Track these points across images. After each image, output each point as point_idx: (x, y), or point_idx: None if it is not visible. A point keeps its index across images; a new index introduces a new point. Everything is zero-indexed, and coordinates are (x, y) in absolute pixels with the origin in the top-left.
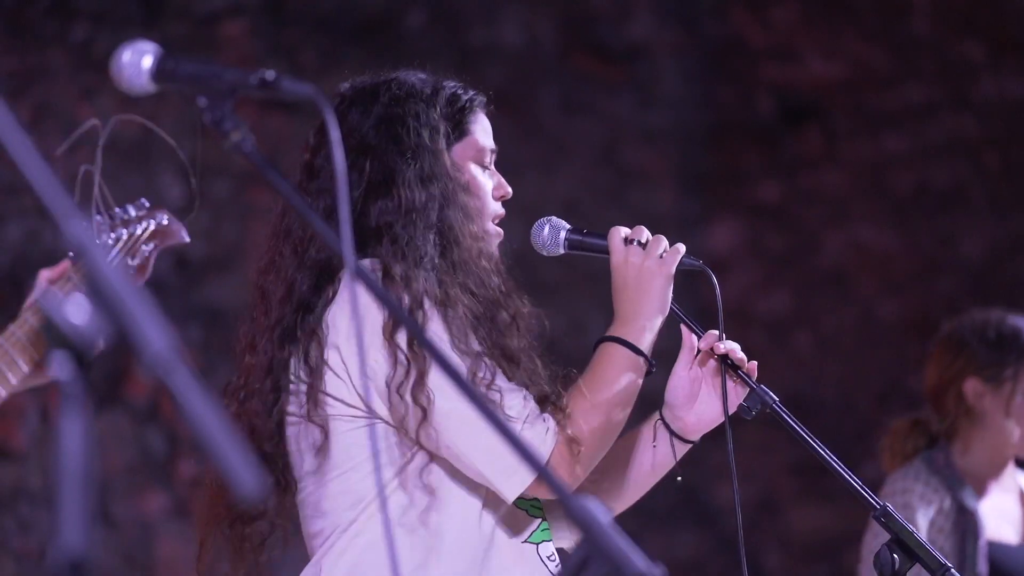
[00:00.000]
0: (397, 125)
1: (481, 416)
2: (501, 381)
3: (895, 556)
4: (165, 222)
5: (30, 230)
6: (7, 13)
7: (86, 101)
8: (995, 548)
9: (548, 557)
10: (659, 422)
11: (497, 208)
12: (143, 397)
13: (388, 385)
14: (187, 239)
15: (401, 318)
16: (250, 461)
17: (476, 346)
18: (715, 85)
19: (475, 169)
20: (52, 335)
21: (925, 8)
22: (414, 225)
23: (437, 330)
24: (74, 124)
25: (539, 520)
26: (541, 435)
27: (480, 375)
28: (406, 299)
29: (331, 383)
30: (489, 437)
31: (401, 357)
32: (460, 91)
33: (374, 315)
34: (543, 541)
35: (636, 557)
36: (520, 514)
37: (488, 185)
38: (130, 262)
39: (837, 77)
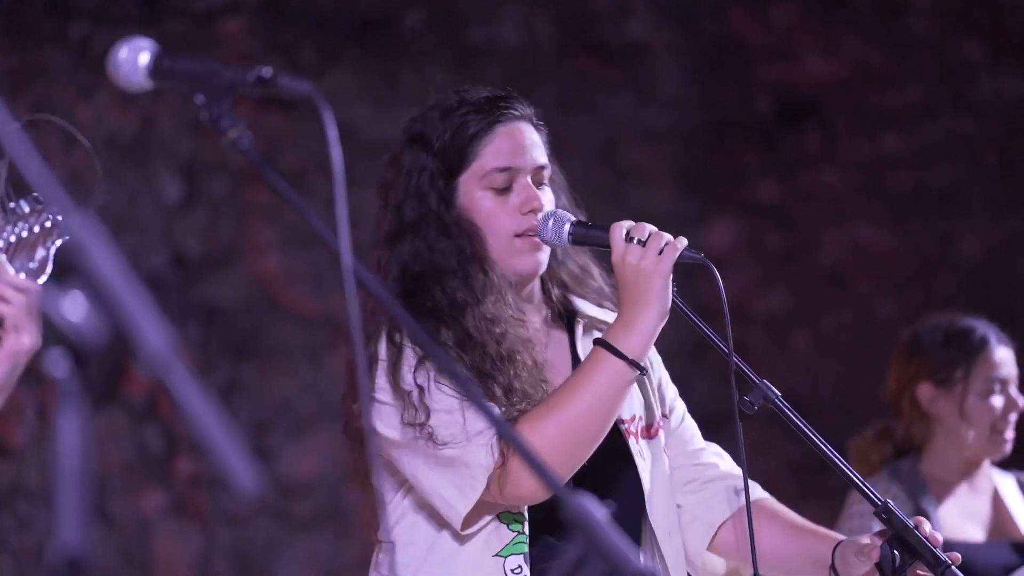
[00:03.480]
0: (401, 175)
1: (420, 446)
2: (439, 408)
3: (896, 552)
4: (60, 218)
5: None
6: (5, 11)
7: (84, 99)
8: (955, 547)
9: (512, 570)
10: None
11: (521, 224)
12: (141, 395)
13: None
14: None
15: (399, 317)
16: (248, 459)
17: (422, 380)
18: (714, 84)
19: (483, 195)
20: (50, 332)
21: (924, 8)
22: (396, 281)
23: (381, 381)
24: (72, 122)
25: (515, 534)
26: (479, 450)
27: (408, 418)
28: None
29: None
30: (432, 472)
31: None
32: (478, 114)
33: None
34: (512, 554)
35: (632, 555)
36: (498, 528)
37: (501, 208)
38: (30, 265)
39: (836, 76)
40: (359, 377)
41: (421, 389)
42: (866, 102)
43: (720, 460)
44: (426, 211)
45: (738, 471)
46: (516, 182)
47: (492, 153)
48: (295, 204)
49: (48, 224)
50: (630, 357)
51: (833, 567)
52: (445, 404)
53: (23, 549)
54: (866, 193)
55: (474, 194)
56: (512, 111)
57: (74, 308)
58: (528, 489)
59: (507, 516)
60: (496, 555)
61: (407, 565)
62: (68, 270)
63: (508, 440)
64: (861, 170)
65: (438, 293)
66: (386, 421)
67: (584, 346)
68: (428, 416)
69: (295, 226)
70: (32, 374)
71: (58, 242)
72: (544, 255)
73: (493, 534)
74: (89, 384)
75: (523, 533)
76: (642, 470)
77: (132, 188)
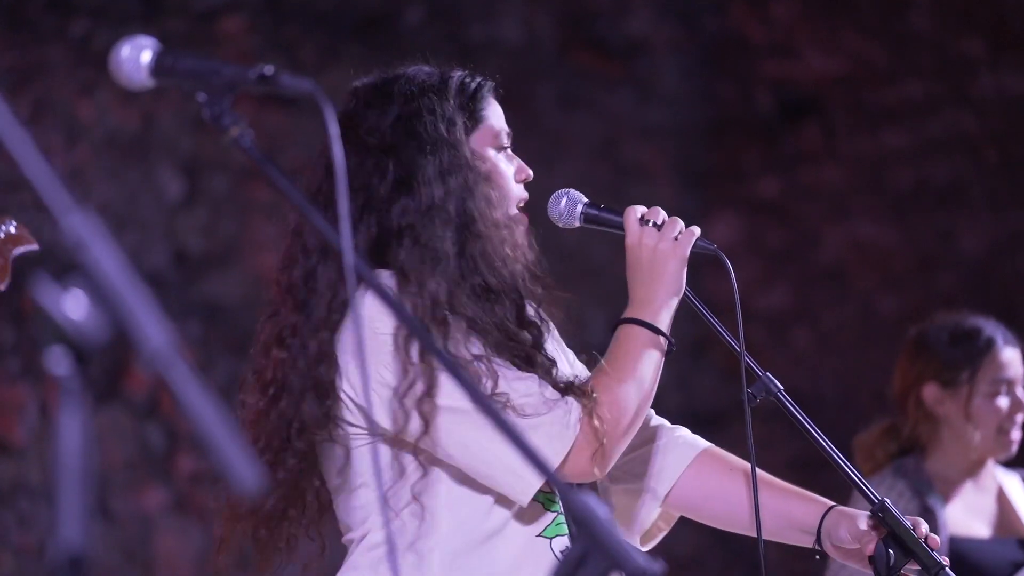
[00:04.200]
0: (415, 121)
1: (489, 423)
2: (509, 376)
3: (891, 552)
4: (13, 230)
5: (29, 225)
6: (7, 8)
7: (85, 96)
8: (962, 543)
9: (562, 551)
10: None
11: (520, 192)
12: (142, 392)
13: (395, 396)
14: (36, 246)
15: (407, 321)
16: (248, 457)
17: (477, 350)
18: (714, 81)
19: (495, 155)
20: (51, 330)
21: (924, 4)
22: (434, 223)
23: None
24: (73, 119)
25: (555, 514)
26: (562, 419)
27: (483, 380)
28: (416, 306)
29: (355, 415)
30: (494, 444)
31: (411, 369)
32: (468, 79)
33: (385, 323)
34: (557, 535)
35: (635, 553)
36: (535, 508)
37: (509, 170)
38: None
39: (836, 73)
40: (361, 367)
41: (483, 358)
42: (867, 98)
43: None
44: (460, 158)
45: (659, 419)
46: (508, 149)
47: (496, 115)
48: (297, 202)
49: (3, 235)
50: (662, 330)
51: (818, 537)
52: (514, 371)
53: (24, 547)
54: (867, 190)
55: (487, 153)
56: (490, 83)
57: (75, 306)
58: (620, 452)
59: (541, 495)
60: (539, 535)
61: (431, 549)
62: (69, 268)
63: (490, 415)
64: (862, 167)
65: (488, 241)
66: (447, 390)
67: None
68: (496, 383)
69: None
70: (34, 372)
71: (17, 251)
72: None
73: (530, 514)
74: (90, 382)
75: (563, 514)
76: None
77: (133, 185)
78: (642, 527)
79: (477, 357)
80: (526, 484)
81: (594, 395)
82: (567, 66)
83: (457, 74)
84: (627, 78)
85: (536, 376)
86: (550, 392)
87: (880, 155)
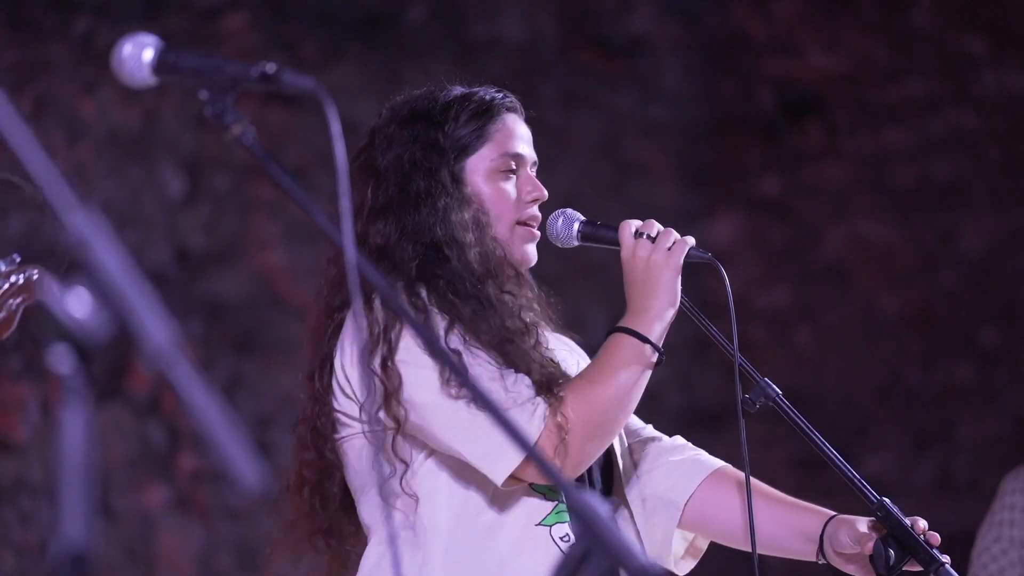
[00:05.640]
0: (397, 147)
1: (461, 405)
2: (484, 377)
3: (890, 551)
4: (35, 277)
5: (32, 223)
6: (9, 6)
7: (87, 94)
8: None
9: (561, 538)
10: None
11: (524, 212)
12: (144, 390)
13: (368, 407)
14: (44, 299)
15: (398, 308)
16: (251, 455)
17: (454, 345)
18: (716, 79)
19: (490, 179)
20: (53, 328)
21: (926, 2)
22: (406, 245)
23: (408, 343)
24: (75, 117)
25: (555, 503)
26: (526, 419)
27: (447, 382)
28: (381, 319)
29: (343, 404)
30: (470, 424)
31: (376, 382)
32: (483, 100)
33: (359, 341)
34: (557, 523)
35: (637, 551)
36: (535, 498)
37: (508, 192)
38: None
39: (838, 71)
40: (359, 366)
41: (457, 353)
42: (868, 97)
43: (662, 434)
44: (436, 185)
45: (683, 440)
46: (521, 170)
47: (504, 138)
48: (298, 199)
49: (20, 282)
50: (652, 340)
51: (821, 545)
52: (485, 371)
53: (26, 545)
54: (868, 188)
55: (479, 177)
56: (515, 103)
57: (78, 304)
58: (591, 454)
59: (541, 487)
60: (539, 524)
61: (433, 541)
62: (72, 266)
63: (490, 410)
64: (864, 165)
65: (456, 262)
66: (420, 386)
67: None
68: (464, 383)
69: (298, 221)
70: (36, 370)
71: (29, 300)
72: (535, 248)
73: (530, 504)
74: (92, 379)
75: (562, 502)
76: (616, 451)
77: (135, 183)
78: (662, 545)
79: (454, 352)
80: (506, 462)
81: (561, 395)
82: (569, 64)
83: (475, 95)
84: (629, 76)
85: (512, 373)
86: (524, 392)
87: (882, 153)
